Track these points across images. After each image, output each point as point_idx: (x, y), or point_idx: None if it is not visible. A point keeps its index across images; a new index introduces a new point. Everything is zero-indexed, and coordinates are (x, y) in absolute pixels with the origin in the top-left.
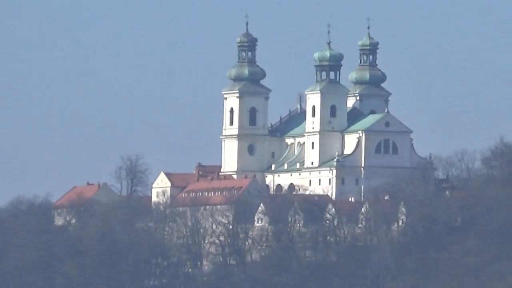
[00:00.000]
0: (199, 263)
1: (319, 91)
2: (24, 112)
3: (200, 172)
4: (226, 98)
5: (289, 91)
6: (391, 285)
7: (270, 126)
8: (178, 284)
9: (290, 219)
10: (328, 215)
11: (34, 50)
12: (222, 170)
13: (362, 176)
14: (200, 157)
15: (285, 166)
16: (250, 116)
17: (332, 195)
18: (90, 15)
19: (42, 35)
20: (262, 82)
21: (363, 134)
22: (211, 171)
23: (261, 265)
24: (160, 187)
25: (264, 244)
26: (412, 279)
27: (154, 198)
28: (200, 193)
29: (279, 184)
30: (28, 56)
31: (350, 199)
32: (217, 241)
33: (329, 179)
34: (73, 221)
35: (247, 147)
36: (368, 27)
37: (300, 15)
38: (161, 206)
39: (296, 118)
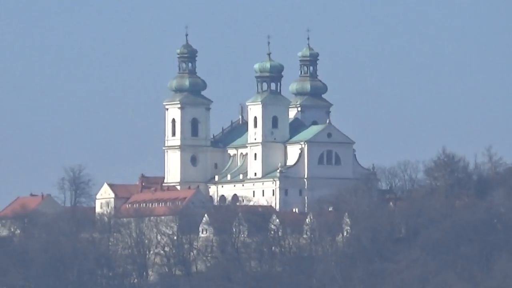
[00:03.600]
0: (144, 273)
1: (260, 102)
2: None
3: (143, 183)
4: (167, 109)
5: (230, 102)
6: None
7: (212, 137)
8: None
9: (234, 230)
10: (272, 226)
11: None
12: (165, 181)
13: (306, 187)
14: (143, 168)
15: (228, 177)
16: (192, 127)
17: (276, 206)
18: (31, 23)
19: None
20: (203, 93)
21: (306, 145)
22: (154, 182)
23: (207, 276)
24: (103, 198)
25: (209, 255)
26: None
27: (98, 209)
28: (144, 204)
29: (222, 195)
30: None
31: (294, 210)
32: (162, 251)
33: (273, 190)
34: (17, 232)
35: (190, 158)
36: (308, 38)
37: (240, 26)
38: (105, 217)
39: (238, 129)
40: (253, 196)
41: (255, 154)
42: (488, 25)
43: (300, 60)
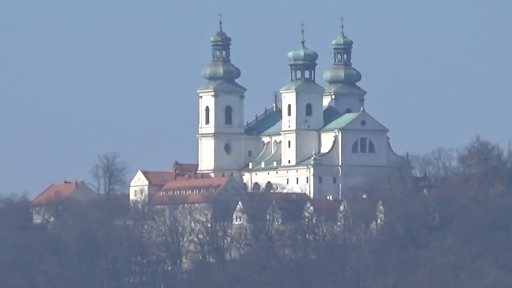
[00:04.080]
0: (178, 261)
1: (294, 90)
2: (0, 111)
3: (177, 171)
4: (201, 97)
5: (264, 90)
6: (371, 283)
7: (246, 124)
8: (158, 282)
9: (268, 217)
10: (306, 213)
11: (11, 48)
12: (199, 168)
13: (340, 174)
14: (177, 155)
15: (262, 164)
16: (226, 115)
17: (310, 194)
18: (66, 13)
19: (18, 33)
20: (237, 81)
21: (340, 132)
22: (188, 169)
23: (241, 263)
24: (137, 185)
25: (243, 242)
26: (392, 278)
27: (132, 197)
28: (178, 192)
29: (256, 183)
30: (2, 54)
31: (328, 198)
32: (196, 239)
33: (307, 178)
34: (52, 219)
35: (224, 146)
36: (342, 26)
37: (274, 14)
38: (139, 205)
39: (272, 117)
40: (287, 183)
41: (289, 142)
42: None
43: (334, 48)
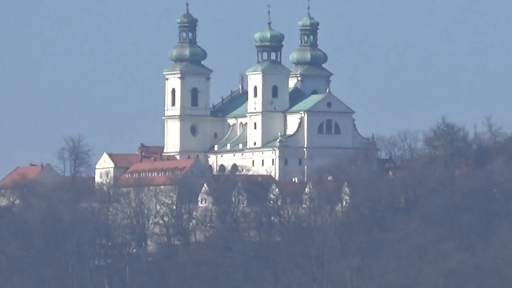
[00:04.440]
0: (143, 243)
1: (260, 72)
2: None
3: (143, 153)
4: (167, 79)
5: (230, 72)
6: (336, 265)
7: (212, 106)
8: (123, 264)
9: (233, 200)
10: (271, 196)
11: None
12: (165, 150)
13: (305, 156)
14: (142, 137)
15: (228, 146)
16: (192, 97)
17: (275, 176)
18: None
19: None
20: (203, 62)
21: (305, 114)
22: (154, 151)
23: (206, 246)
24: (103, 167)
25: (208, 225)
26: (357, 259)
27: (97, 179)
28: (144, 174)
29: (222, 165)
30: None
31: (293, 180)
32: (161, 221)
33: (272, 160)
34: (17, 201)
35: (190, 128)
36: (308, 7)
37: None
38: (105, 187)
39: (238, 99)
40: (253, 165)
41: (255, 124)
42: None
43: (301, 30)
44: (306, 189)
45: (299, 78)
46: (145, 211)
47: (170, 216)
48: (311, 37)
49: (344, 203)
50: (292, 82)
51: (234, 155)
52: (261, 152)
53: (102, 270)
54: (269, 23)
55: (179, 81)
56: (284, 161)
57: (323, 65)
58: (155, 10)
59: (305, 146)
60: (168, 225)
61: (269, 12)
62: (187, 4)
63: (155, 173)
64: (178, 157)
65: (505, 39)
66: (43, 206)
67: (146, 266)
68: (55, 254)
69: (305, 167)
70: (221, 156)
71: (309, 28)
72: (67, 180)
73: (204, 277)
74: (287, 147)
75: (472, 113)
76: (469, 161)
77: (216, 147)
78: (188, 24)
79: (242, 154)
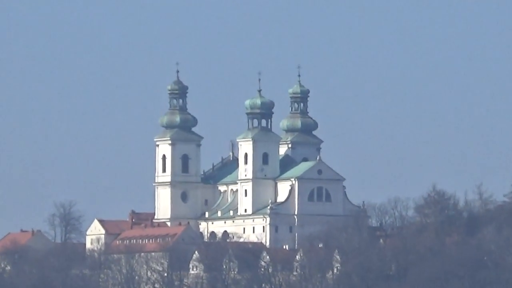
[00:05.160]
0: None
1: (251, 139)
2: None
3: (133, 219)
4: (158, 145)
5: (221, 139)
6: None
7: (202, 173)
8: None
9: (224, 267)
10: (262, 263)
11: None
12: (155, 217)
13: (296, 223)
14: (133, 204)
15: (219, 213)
16: (183, 163)
17: (266, 243)
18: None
19: None
20: (193, 129)
21: (296, 181)
22: (144, 218)
23: None
24: (94, 234)
25: None
26: None
27: (88, 245)
28: (134, 240)
29: (213, 232)
30: None
31: (284, 247)
32: None
33: (263, 227)
34: (8, 268)
35: (180, 195)
36: (299, 75)
37: (231, 63)
38: (96, 253)
39: (229, 166)
40: (244, 232)
41: (246, 191)
42: (475, 60)
43: (291, 97)
44: (297, 257)
45: (290, 145)
46: (136, 277)
47: (161, 283)
48: (302, 104)
49: (335, 271)
50: (282, 149)
51: (225, 222)
52: (252, 219)
53: None
54: (260, 90)
55: (169, 147)
56: (275, 228)
57: (313, 132)
58: (145, 77)
59: (296, 213)
60: None
61: (259, 80)
62: (177, 71)
63: (146, 240)
64: (169, 223)
65: (497, 108)
66: (34, 272)
67: None
68: None
69: (296, 234)
70: (212, 223)
71: (299, 95)
72: (58, 246)
73: None
74: (278, 214)
75: (462, 181)
76: (459, 229)
77: (207, 214)
78: (178, 91)
79: (233, 221)
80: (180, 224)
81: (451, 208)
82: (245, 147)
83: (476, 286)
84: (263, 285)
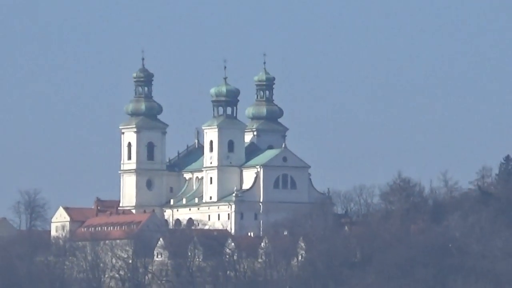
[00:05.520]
0: None
1: (216, 126)
2: None
3: (99, 207)
4: (123, 133)
5: (186, 126)
6: None
7: (168, 161)
8: None
9: (189, 254)
10: (227, 250)
11: None
12: (121, 205)
13: (261, 211)
14: (98, 191)
15: (184, 201)
16: (148, 151)
17: (231, 230)
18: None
19: None
20: (159, 117)
21: (261, 169)
22: (110, 205)
23: None
24: (59, 221)
25: (164, 279)
26: None
27: (53, 233)
28: (100, 228)
29: (178, 219)
30: None
31: (249, 234)
32: (117, 275)
33: (228, 214)
34: None
35: (146, 182)
36: (264, 63)
37: (196, 50)
38: (61, 241)
39: (194, 153)
40: (209, 220)
41: (211, 178)
42: (437, 52)
43: (256, 85)
44: (262, 244)
45: (255, 133)
46: (101, 265)
47: (126, 270)
48: (267, 92)
49: (300, 258)
50: (248, 137)
51: (190, 209)
52: (217, 207)
53: None
54: (225, 78)
55: (135, 135)
56: (240, 215)
57: (279, 120)
58: (111, 64)
59: (261, 200)
60: (124, 279)
61: (225, 67)
62: (142, 59)
63: (111, 227)
64: (134, 211)
65: (463, 95)
66: None
67: None
68: None
69: (261, 222)
70: (177, 210)
71: (265, 83)
72: (23, 233)
73: None
74: (243, 202)
75: (428, 168)
76: (425, 216)
77: (172, 202)
78: (144, 79)
79: (198, 209)
80: (145, 211)
81: (416, 196)
82: (211, 134)
83: (441, 273)
84: (228, 272)
